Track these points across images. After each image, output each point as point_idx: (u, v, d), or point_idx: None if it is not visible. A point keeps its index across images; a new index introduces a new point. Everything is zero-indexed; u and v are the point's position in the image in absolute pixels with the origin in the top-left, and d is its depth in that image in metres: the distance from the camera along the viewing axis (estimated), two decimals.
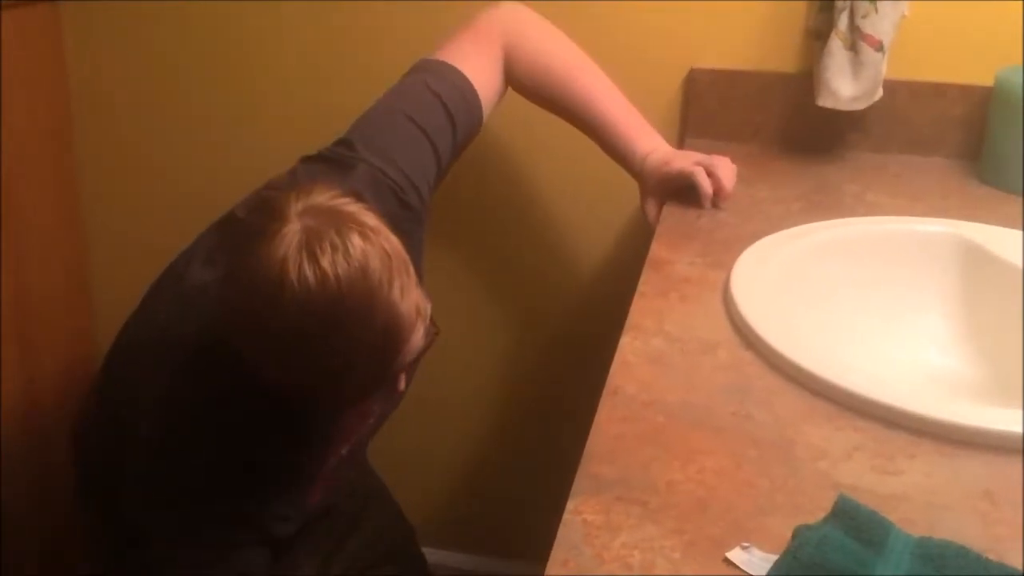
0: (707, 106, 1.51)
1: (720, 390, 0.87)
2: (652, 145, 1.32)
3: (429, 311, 1.02)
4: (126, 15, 1.69)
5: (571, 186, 1.61)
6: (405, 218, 1.17)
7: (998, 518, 0.71)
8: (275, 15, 1.63)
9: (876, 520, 0.69)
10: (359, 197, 1.03)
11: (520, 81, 1.33)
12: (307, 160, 1.21)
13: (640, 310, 1.01)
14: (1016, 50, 1.36)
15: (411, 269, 0.98)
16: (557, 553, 0.67)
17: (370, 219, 0.96)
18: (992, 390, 1.04)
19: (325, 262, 0.91)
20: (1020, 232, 1.16)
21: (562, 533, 0.69)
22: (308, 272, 0.91)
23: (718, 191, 1.26)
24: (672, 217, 1.25)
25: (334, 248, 0.92)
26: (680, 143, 1.52)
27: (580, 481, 0.74)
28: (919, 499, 0.73)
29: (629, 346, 0.94)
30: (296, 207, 0.94)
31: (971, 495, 0.74)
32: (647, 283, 1.07)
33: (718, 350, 0.93)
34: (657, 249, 1.15)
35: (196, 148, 1.75)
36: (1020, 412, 0.82)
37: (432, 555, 1.65)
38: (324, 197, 0.96)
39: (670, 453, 0.78)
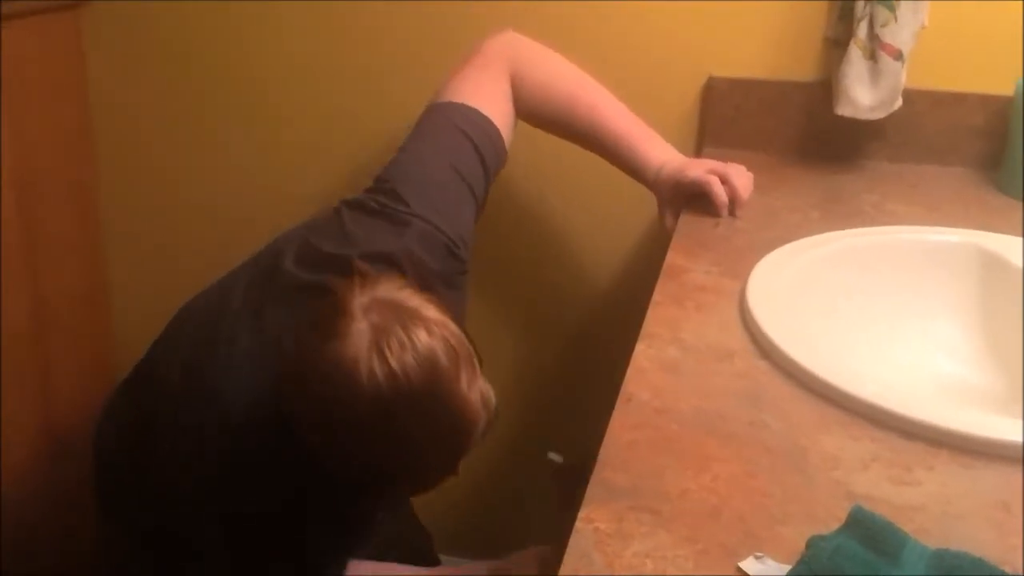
0: (725, 114, 1.51)
1: (734, 398, 0.86)
2: (665, 156, 1.32)
3: (493, 399, 1.03)
4: (145, 23, 1.70)
5: (588, 195, 1.61)
6: (457, 271, 1.18)
7: (1014, 528, 0.71)
8: (296, 21, 1.64)
9: (891, 531, 0.68)
10: (415, 261, 1.08)
11: (528, 109, 1.32)
12: (354, 208, 1.17)
13: (655, 318, 1.01)
14: None
15: (475, 359, 1.00)
16: (568, 561, 0.66)
17: (433, 312, 0.97)
18: (1010, 401, 1.03)
19: (394, 361, 0.92)
20: None
21: (574, 541, 0.68)
22: (379, 372, 0.92)
23: (733, 199, 1.26)
24: (689, 225, 1.24)
25: (402, 346, 0.93)
26: (698, 151, 1.52)
27: (592, 489, 0.74)
28: (935, 509, 0.73)
29: (644, 354, 0.94)
30: (361, 300, 0.95)
31: (988, 505, 0.73)
32: (663, 291, 1.07)
33: (733, 358, 0.93)
34: (673, 257, 1.15)
35: (216, 156, 1.76)
36: None
37: (446, 562, 1.64)
38: (387, 289, 0.97)
39: (683, 461, 0.77)
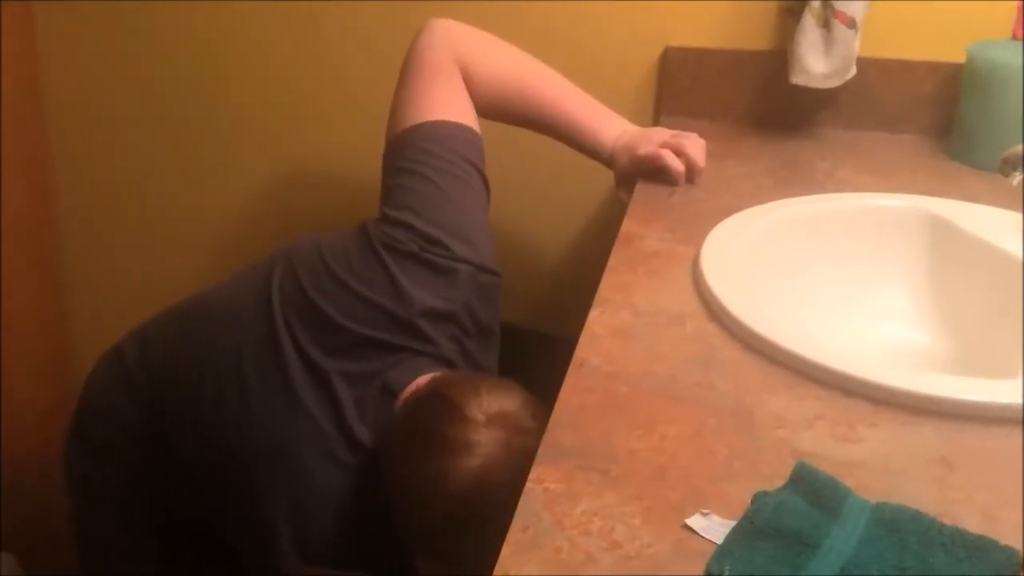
0: (681, 84, 1.51)
1: (684, 361, 0.88)
2: (617, 131, 1.31)
3: None
4: (100, 16, 1.68)
5: (546, 166, 1.61)
6: (496, 300, 1.22)
7: (953, 483, 0.73)
8: (250, 17, 1.64)
9: (833, 486, 0.70)
10: (472, 313, 1.15)
11: (479, 106, 1.30)
12: (392, 249, 1.16)
13: (609, 284, 1.02)
14: (985, 26, 1.37)
15: None
16: (518, 521, 0.67)
17: (531, 422, 1.00)
18: (957, 362, 1.06)
19: (518, 470, 0.95)
20: (987, 207, 1.17)
21: (523, 501, 0.69)
22: (508, 484, 0.95)
23: (690, 167, 1.26)
24: (644, 193, 1.25)
25: (525, 457, 0.96)
26: (655, 121, 1.53)
27: (543, 450, 0.75)
28: (877, 465, 0.74)
29: (597, 320, 0.95)
30: (485, 407, 0.99)
31: (928, 461, 0.75)
32: (617, 258, 1.08)
33: (684, 322, 0.94)
34: (628, 225, 1.16)
35: (171, 148, 1.76)
36: (977, 381, 0.83)
37: None
38: (500, 400, 1.01)
39: (632, 423, 0.79)
